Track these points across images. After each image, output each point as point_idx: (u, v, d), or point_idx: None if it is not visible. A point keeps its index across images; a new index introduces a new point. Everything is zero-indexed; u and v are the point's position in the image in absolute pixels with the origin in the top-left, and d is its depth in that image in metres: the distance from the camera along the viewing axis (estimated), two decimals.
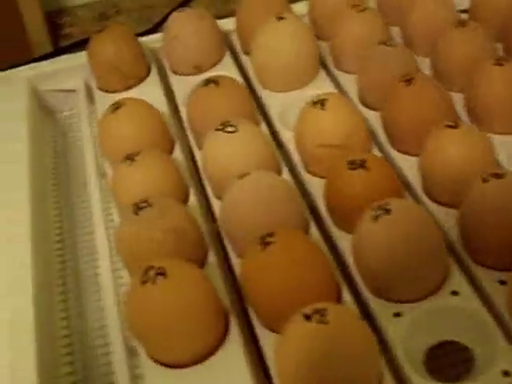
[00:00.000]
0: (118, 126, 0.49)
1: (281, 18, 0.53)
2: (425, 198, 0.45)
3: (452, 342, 0.40)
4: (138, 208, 0.42)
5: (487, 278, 0.40)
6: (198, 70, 0.57)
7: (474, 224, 0.41)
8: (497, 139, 0.47)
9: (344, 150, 0.46)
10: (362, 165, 0.43)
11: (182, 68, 0.58)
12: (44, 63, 0.62)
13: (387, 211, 0.39)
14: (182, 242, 0.41)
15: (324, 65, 0.57)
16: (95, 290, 0.48)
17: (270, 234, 0.38)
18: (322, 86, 0.54)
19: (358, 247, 0.40)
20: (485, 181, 0.40)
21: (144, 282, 0.37)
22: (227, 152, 0.45)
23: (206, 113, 0.49)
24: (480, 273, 0.41)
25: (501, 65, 0.48)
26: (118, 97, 0.56)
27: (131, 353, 0.42)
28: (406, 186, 0.46)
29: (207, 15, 0.57)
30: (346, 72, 0.55)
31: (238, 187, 0.42)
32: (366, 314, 0.40)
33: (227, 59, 0.58)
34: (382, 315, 0.39)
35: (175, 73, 0.58)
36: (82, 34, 0.63)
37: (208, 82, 0.50)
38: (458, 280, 0.40)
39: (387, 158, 0.48)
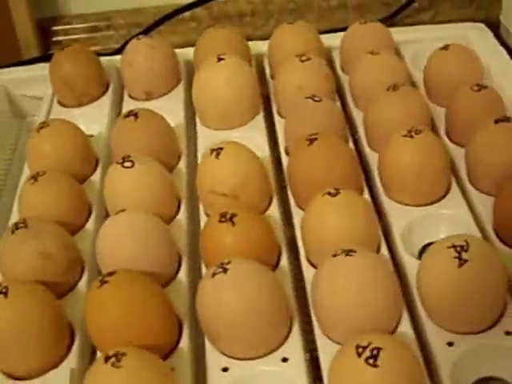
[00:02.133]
0: (40, 144, 0.52)
1: (220, 59, 0.55)
2: (303, 261, 0.46)
3: None
4: (15, 227, 0.45)
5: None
6: (149, 96, 0.59)
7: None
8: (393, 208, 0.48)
9: (234, 199, 0.47)
10: (230, 218, 0.44)
11: (134, 92, 0.60)
12: (20, 68, 0.66)
13: (225, 270, 0.40)
14: (48, 265, 0.44)
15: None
16: None
17: (111, 273, 0.41)
18: (253, 128, 0.55)
19: (198, 301, 0.42)
20: (335, 255, 0.41)
21: None
22: (120, 186, 0.48)
23: (123, 144, 0.51)
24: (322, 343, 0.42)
25: (411, 137, 0.48)
26: (70, 112, 0.60)
27: None
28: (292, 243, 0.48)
29: (163, 44, 0.60)
30: (283, 117, 0.56)
31: (107, 223, 0.45)
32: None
33: (178, 89, 0.60)
34: (211, 368, 0.41)
35: (130, 96, 0.61)
36: (72, 43, 0.66)
37: (128, 114, 0.52)
38: (290, 347, 0.41)
39: (288, 212, 0.50)
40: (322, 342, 0.41)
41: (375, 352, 0.36)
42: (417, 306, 0.43)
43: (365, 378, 0.36)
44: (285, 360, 0.40)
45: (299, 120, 0.52)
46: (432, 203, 0.49)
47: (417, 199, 0.48)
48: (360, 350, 0.36)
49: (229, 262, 0.41)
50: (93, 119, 0.58)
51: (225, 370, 0.40)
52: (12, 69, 0.66)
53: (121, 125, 0.52)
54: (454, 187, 0.50)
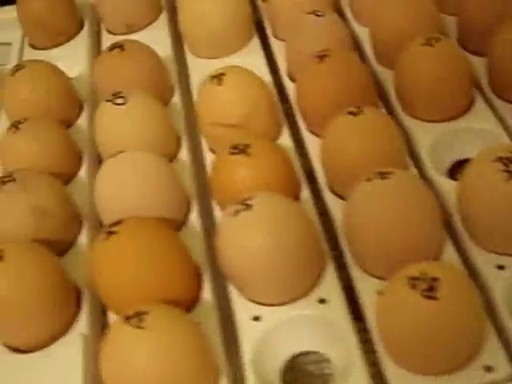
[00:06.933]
0: (16, 88, 0.46)
1: None
2: (325, 190, 0.42)
3: None
4: (1, 182, 0.40)
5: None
6: (130, 29, 0.54)
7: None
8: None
9: (241, 130, 0.42)
10: (244, 150, 0.39)
11: (113, 26, 0.55)
12: None
13: (248, 206, 0.36)
14: (43, 219, 0.39)
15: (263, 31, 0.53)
16: None
17: (117, 223, 0.36)
18: (250, 54, 0.50)
19: (219, 244, 0.37)
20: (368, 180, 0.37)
21: None
22: (113, 124, 0.43)
23: (109, 79, 0.46)
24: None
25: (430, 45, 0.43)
26: (46, 54, 0.54)
27: None
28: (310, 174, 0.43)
29: None
30: (281, 39, 0.51)
31: (106, 166, 0.40)
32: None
33: (162, 19, 0.55)
34: (241, 318, 0.36)
35: (108, 31, 0.55)
36: None
37: (113, 46, 0.46)
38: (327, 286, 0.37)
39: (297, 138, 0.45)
40: (359, 276, 0.37)
41: (433, 284, 0.32)
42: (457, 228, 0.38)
43: (423, 313, 0.31)
44: (322, 301, 0.36)
45: (303, 38, 0.47)
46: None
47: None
48: (414, 281, 0.32)
49: (251, 198, 0.36)
50: (72, 60, 0.52)
51: (256, 318, 0.36)
52: None
53: (106, 59, 0.47)
54: (479, 99, 0.45)
